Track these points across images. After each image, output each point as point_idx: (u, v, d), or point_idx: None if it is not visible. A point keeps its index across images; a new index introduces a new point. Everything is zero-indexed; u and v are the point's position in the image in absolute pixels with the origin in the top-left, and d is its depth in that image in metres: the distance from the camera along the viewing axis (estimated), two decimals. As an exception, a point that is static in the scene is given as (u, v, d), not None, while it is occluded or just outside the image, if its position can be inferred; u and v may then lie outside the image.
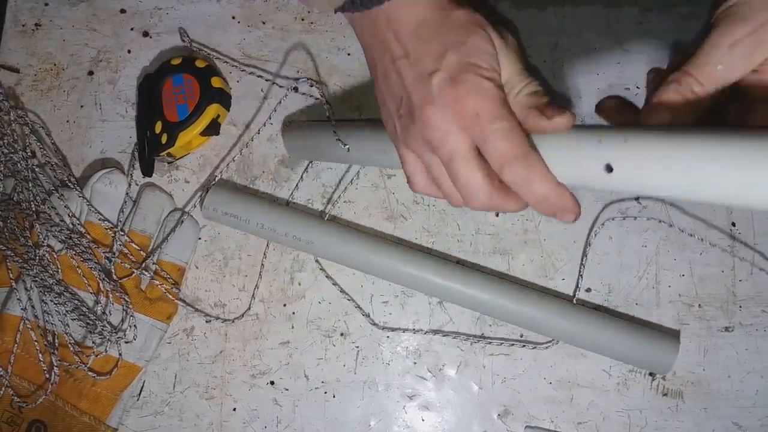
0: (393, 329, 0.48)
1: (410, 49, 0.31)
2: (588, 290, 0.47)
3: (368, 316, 0.48)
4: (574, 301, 0.46)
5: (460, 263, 0.48)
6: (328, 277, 0.49)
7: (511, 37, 0.33)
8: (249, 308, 0.49)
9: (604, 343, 0.44)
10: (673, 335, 0.45)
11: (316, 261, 0.49)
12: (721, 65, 0.27)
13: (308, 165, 0.50)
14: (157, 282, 0.48)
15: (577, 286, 0.47)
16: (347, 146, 0.45)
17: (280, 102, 0.50)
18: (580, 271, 0.47)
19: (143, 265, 0.48)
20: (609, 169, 0.29)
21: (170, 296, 0.48)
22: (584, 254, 0.47)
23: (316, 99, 0.50)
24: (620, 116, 0.34)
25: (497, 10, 0.34)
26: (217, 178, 0.49)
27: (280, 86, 0.51)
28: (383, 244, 0.47)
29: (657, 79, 0.32)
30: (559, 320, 0.45)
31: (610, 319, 0.45)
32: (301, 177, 0.50)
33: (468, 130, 0.31)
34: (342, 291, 0.49)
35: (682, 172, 0.26)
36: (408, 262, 0.46)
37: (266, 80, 0.52)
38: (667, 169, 0.27)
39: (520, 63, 0.33)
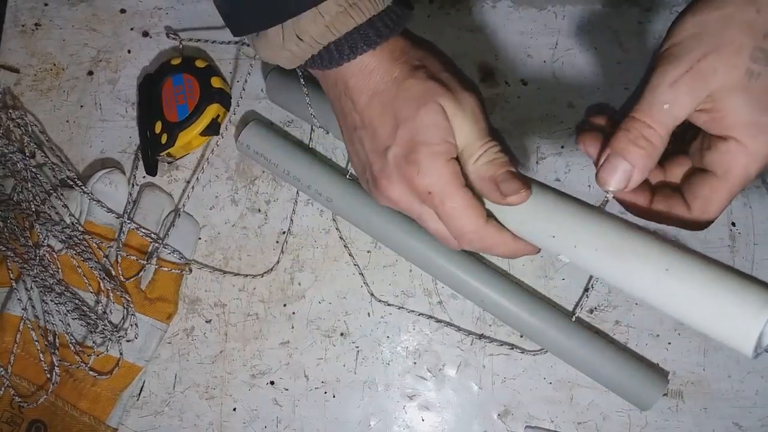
0: (389, 304, 0.48)
1: (366, 122, 0.32)
2: (588, 290, 0.47)
3: (368, 285, 0.49)
4: (573, 319, 0.46)
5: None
6: (341, 238, 0.49)
7: (470, 98, 0.33)
8: (278, 261, 0.50)
9: (593, 368, 0.44)
10: (662, 376, 0.45)
11: (334, 219, 0.50)
12: (667, 104, 0.27)
13: (311, 131, 0.51)
14: (166, 269, 0.48)
15: (578, 304, 0.47)
16: (328, 132, 0.47)
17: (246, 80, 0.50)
18: (585, 291, 0.47)
19: (146, 262, 0.48)
20: (561, 259, 0.33)
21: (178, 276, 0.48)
22: (590, 285, 0.48)
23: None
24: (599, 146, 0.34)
25: (458, 67, 0.35)
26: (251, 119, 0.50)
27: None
28: (401, 217, 0.47)
29: (594, 119, 0.33)
30: (555, 334, 0.44)
31: (605, 345, 0.44)
32: (311, 137, 0.51)
33: (425, 203, 0.32)
34: (350, 254, 0.49)
35: (617, 282, 0.31)
36: (420, 237, 0.46)
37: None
38: (604, 274, 0.32)
39: (479, 126, 0.32)
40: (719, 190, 0.28)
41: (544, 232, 0.33)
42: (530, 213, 0.33)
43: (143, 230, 0.48)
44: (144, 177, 0.51)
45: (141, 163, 0.51)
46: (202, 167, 0.51)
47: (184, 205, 0.50)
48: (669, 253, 0.30)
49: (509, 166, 0.32)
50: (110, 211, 0.48)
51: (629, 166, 0.28)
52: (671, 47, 0.28)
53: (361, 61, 0.32)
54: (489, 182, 0.32)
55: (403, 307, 0.48)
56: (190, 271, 0.49)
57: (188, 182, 0.52)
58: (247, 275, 0.49)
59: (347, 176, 0.49)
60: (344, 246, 0.49)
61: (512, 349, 0.47)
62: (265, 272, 0.49)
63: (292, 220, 0.50)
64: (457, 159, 0.33)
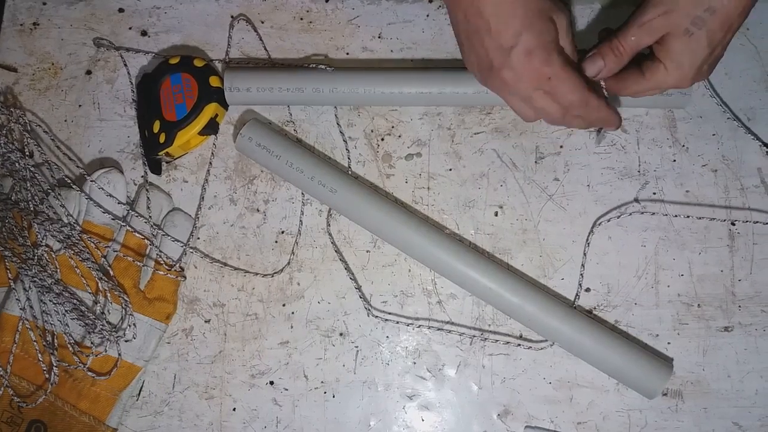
0: (386, 319, 0.48)
1: (492, 25, 0.40)
2: (587, 290, 0.47)
3: (367, 300, 0.48)
4: (574, 307, 0.46)
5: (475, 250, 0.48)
6: (333, 243, 0.49)
7: (567, 17, 0.42)
8: (288, 263, 0.49)
9: (597, 356, 0.44)
10: (667, 362, 0.45)
11: (327, 222, 0.50)
12: (634, 37, 0.41)
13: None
14: (161, 272, 0.48)
15: (577, 294, 0.47)
16: (332, 68, 0.48)
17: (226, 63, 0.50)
18: (580, 280, 0.47)
19: (143, 264, 0.48)
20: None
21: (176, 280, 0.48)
22: (583, 263, 0.47)
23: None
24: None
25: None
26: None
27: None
28: (402, 211, 0.47)
29: (602, 36, 0.45)
30: (558, 324, 0.44)
31: (607, 332, 0.45)
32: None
33: (540, 86, 0.41)
34: (342, 260, 0.49)
35: None
36: (422, 231, 0.46)
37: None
38: None
39: (570, 37, 0.42)
40: (648, 81, 0.44)
41: None
42: None
43: (145, 220, 0.48)
44: (143, 176, 0.51)
45: (140, 163, 0.51)
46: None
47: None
48: None
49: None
50: (114, 199, 0.48)
51: (602, 63, 0.43)
52: (646, 1, 0.42)
53: None
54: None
55: (399, 322, 0.48)
56: (184, 278, 0.49)
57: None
58: (257, 273, 0.49)
59: (348, 172, 0.49)
60: (335, 251, 0.49)
61: (519, 345, 0.47)
62: (275, 272, 0.49)
63: (301, 221, 0.50)
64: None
